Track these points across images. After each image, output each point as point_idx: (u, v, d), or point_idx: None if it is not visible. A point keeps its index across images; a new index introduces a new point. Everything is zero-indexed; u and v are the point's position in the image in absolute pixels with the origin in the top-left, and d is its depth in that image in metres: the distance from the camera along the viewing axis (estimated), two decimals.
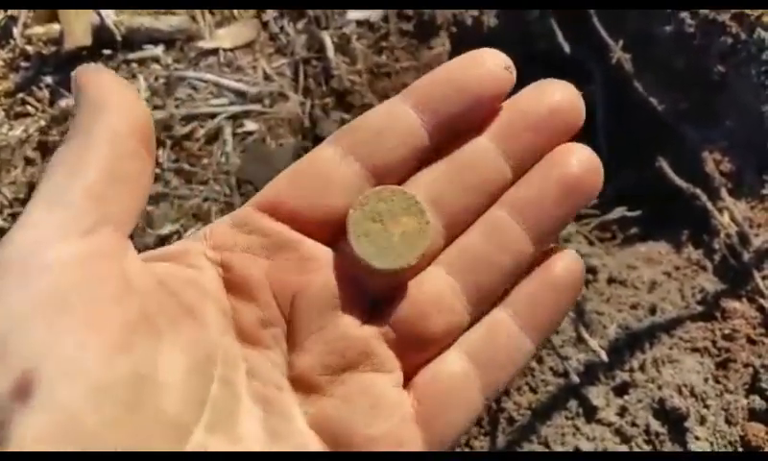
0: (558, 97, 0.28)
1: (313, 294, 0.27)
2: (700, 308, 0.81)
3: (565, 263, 0.28)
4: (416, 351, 0.28)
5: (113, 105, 0.24)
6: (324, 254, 0.28)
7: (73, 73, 0.25)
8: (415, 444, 0.27)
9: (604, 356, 0.75)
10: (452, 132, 0.28)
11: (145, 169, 0.25)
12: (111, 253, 0.24)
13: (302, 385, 0.27)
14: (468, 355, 0.28)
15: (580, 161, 0.28)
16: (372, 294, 0.28)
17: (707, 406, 0.73)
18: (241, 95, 0.97)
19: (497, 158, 0.28)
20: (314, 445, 0.27)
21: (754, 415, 0.71)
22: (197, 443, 0.24)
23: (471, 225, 0.29)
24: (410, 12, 0.96)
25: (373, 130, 0.27)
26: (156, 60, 1.00)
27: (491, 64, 0.28)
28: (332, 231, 0.28)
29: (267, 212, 0.28)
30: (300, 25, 1.00)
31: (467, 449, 0.77)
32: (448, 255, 0.29)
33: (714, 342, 0.78)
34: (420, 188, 0.28)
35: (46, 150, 0.97)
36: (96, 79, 0.25)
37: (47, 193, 0.23)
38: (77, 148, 0.24)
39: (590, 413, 0.76)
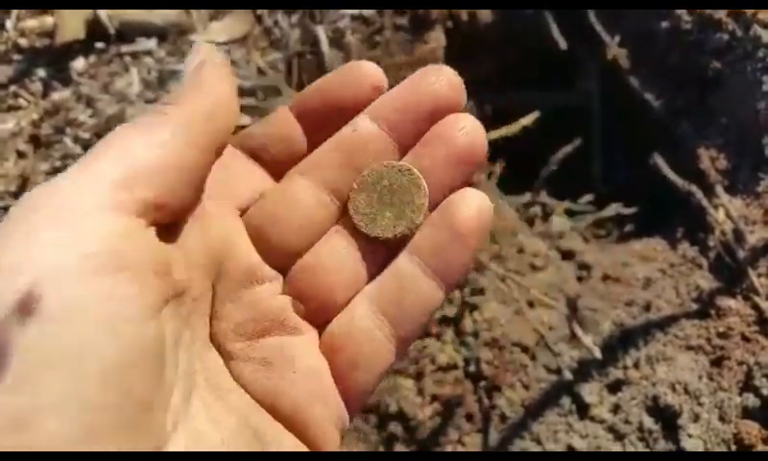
0: (438, 81, 0.30)
1: (232, 266, 0.29)
2: (695, 306, 0.80)
3: (470, 204, 0.29)
4: (323, 314, 0.30)
5: (217, 112, 0.27)
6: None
7: (198, 52, 0.28)
8: (335, 398, 0.29)
9: (597, 354, 0.74)
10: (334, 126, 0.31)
11: (202, 180, 0.28)
12: (150, 236, 0.25)
13: (220, 351, 0.29)
14: (380, 308, 0.30)
15: (466, 133, 0.30)
16: (284, 267, 0.31)
17: (700, 404, 0.72)
18: None
19: (384, 138, 0.31)
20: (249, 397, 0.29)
21: (747, 413, 0.71)
22: (174, 403, 0.25)
23: None
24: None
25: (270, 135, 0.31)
26: (149, 53, 0.99)
27: (367, 80, 0.31)
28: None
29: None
30: (295, 19, 0.99)
31: (459, 446, 0.76)
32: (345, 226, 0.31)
33: (709, 339, 0.77)
34: (315, 175, 0.31)
35: (38, 143, 0.96)
36: (212, 71, 0.28)
37: (125, 151, 0.25)
38: (169, 132, 0.26)
39: (583, 410, 0.76)
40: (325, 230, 0.31)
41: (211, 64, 0.28)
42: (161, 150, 0.25)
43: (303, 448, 0.29)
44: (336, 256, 0.30)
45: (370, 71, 0.31)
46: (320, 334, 0.31)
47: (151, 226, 0.25)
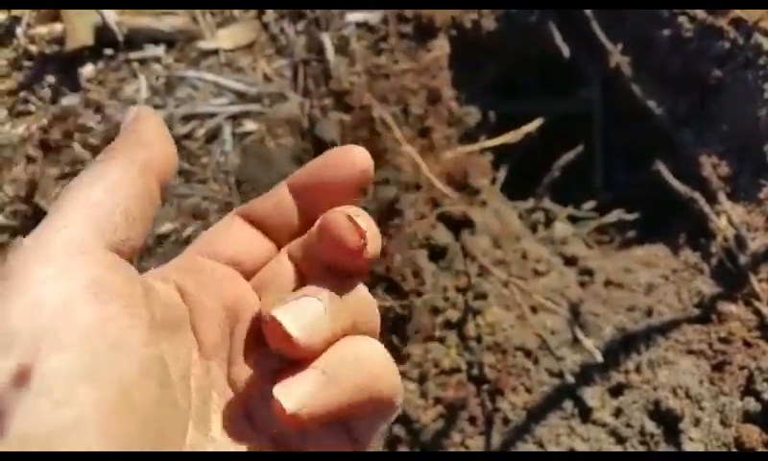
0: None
1: (246, 321, 0.32)
2: (696, 311, 0.81)
3: None
4: None
5: (156, 147, 0.29)
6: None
7: (133, 109, 0.30)
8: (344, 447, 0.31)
9: (599, 357, 0.75)
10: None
11: (154, 213, 0.29)
12: (131, 268, 0.28)
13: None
14: None
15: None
16: None
17: (701, 408, 0.73)
18: (241, 95, 0.97)
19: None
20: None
21: (748, 417, 0.71)
22: (191, 436, 0.27)
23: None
24: (409, 14, 0.97)
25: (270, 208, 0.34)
26: (158, 59, 1.00)
27: (356, 166, 0.34)
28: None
29: (210, 258, 0.33)
30: (300, 26, 1.01)
31: (462, 449, 0.77)
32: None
33: (710, 344, 0.78)
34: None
35: (47, 148, 0.98)
36: (148, 118, 0.30)
37: (85, 201, 0.27)
38: (119, 170, 0.28)
39: (585, 414, 0.76)
40: None
41: (146, 117, 0.30)
42: (117, 193, 0.27)
43: None
44: None
45: (359, 156, 0.33)
46: None
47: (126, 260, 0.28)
